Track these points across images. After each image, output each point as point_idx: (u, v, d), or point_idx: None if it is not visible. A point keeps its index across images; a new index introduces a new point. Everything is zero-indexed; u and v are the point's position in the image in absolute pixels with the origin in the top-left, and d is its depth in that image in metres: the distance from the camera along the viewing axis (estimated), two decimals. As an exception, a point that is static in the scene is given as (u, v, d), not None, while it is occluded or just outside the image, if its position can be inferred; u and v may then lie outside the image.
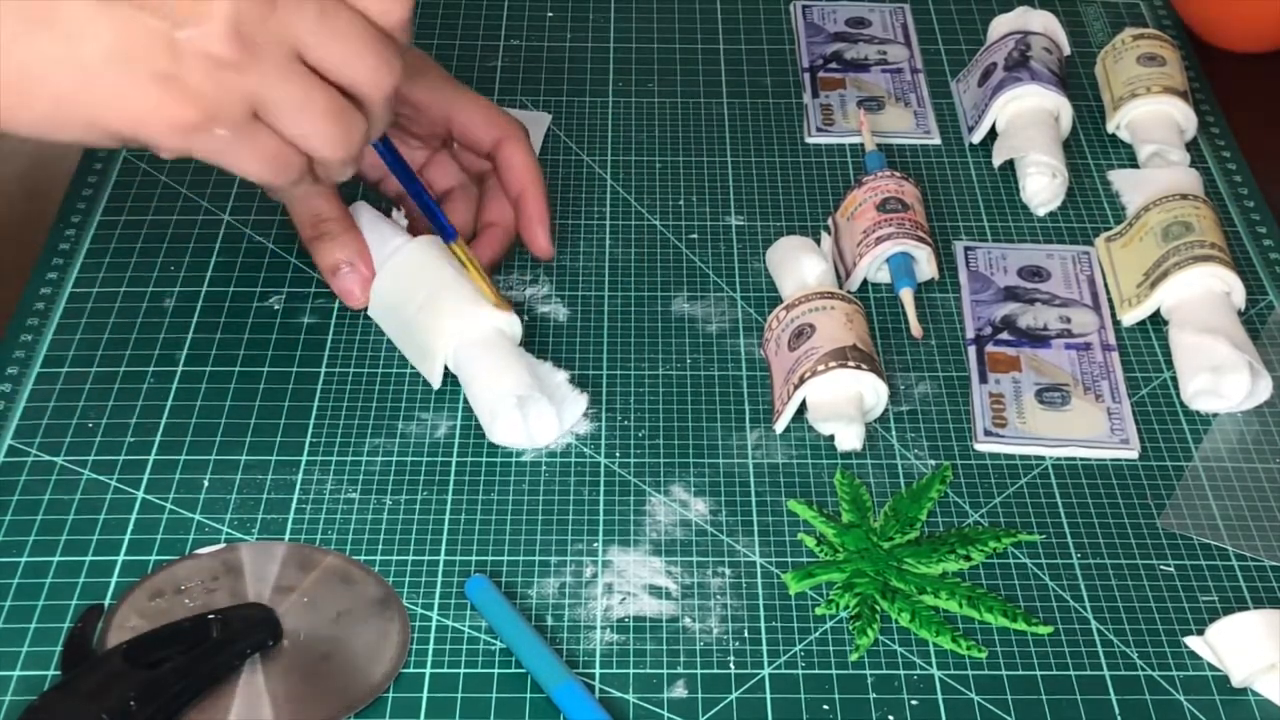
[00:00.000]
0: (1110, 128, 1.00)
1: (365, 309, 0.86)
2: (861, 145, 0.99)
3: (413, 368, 0.83)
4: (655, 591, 0.73)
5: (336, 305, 0.87)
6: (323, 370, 0.83)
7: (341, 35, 0.68)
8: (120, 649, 0.67)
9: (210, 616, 0.69)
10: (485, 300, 0.81)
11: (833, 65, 1.06)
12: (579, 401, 0.81)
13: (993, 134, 0.99)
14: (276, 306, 0.87)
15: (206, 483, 0.77)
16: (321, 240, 0.85)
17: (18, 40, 0.65)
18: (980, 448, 0.80)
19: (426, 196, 0.83)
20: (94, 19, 0.65)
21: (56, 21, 0.65)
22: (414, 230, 0.86)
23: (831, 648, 0.71)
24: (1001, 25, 1.04)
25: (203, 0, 0.65)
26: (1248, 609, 0.72)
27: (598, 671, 0.69)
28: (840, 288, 0.87)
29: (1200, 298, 0.86)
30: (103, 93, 0.66)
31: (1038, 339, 0.85)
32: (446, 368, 0.81)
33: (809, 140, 1.00)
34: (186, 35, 0.65)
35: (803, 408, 0.80)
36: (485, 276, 0.82)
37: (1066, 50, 1.03)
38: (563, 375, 0.81)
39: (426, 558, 0.74)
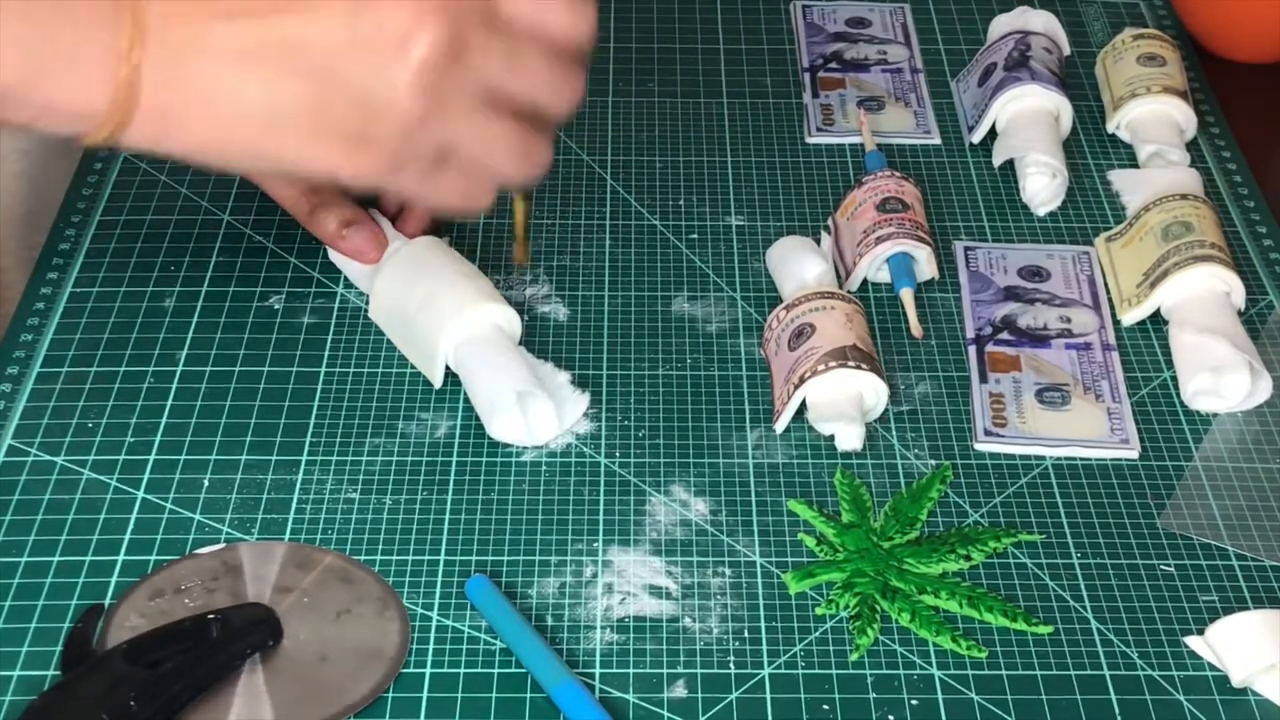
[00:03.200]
0: (1110, 128, 1.00)
1: (369, 307, 0.86)
2: (861, 145, 0.99)
3: (413, 367, 0.83)
4: (655, 591, 0.73)
5: (336, 305, 0.87)
6: (323, 370, 0.83)
7: (529, 69, 0.68)
8: (120, 649, 0.67)
9: (210, 616, 0.69)
10: (484, 297, 0.81)
11: (833, 65, 1.06)
12: (580, 402, 0.81)
13: (993, 134, 0.99)
14: (276, 306, 0.87)
15: (206, 483, 0.77)
16: (319, 210, 0.85)
17: (221, 78, 0.64)
18: (980, 448, 0.80)
19: None
20: (287, 77, 0.64)
21: (255, 73, 0.64)
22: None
23: (831, 648, 0.71)
24: (1001, 25, 1.04)
25: (391, 61, 0.64)
26: (1248, 609, 0.72)
27: (598, 671, 0.69)
28: (840, 288, 0.87)
29: (1200, 298, 0.86)
30: (293, 144, 0.66)
31: (1038, 339, 0.85)
32: (448, 366, 0.82)
33: (809, 140, 1.00)
34: (377, 96, 0.65)
35: (803, 408, 0.80)
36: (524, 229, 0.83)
37: (1066, 50, 1.03)
38: (564, 376, 0.81)
39: (426, 558, 0.74)
